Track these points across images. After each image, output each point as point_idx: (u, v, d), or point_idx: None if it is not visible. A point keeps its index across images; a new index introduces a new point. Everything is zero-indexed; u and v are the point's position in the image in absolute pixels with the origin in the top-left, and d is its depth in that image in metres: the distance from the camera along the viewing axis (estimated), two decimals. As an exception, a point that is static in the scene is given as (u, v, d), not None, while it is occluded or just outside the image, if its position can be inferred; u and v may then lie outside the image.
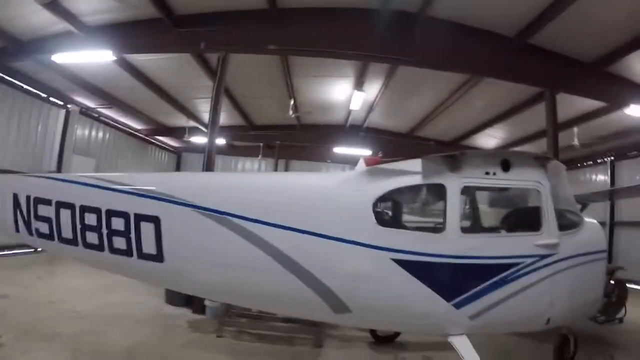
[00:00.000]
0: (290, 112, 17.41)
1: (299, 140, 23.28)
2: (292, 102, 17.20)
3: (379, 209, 5.21)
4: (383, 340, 8.15)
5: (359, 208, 5.00)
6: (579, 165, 22.98)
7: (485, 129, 19.79)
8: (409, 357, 7.55)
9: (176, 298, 9.53)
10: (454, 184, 5.10)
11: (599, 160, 21.65)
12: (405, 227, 5.53)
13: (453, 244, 4.96)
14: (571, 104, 14.97)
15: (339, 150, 22.80)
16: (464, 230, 5.30)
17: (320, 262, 4.86)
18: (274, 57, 13.62)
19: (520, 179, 5.43)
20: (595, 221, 6.70)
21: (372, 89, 16.30)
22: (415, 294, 4.90)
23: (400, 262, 4.84)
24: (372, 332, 8.19)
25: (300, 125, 22.14)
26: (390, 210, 5.85)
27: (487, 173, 5.24)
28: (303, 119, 21.22)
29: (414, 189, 5.42)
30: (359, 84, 15.35)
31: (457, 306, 4.95)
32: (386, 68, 14.26)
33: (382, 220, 5.17)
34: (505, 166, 5.29)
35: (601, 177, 21.60)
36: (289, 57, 13.86)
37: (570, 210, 6.15)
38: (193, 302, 9.32)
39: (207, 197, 4.99)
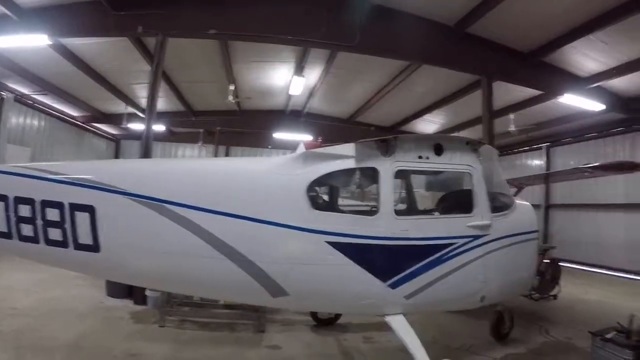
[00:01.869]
0: (230, 98, 17.06)
1: (239, 126, 23.04)
2: (232, 87, 16.88)
3: (313, 193, 5.27)
4: (324, 322, 8.29)
5: (293, 192, 5.05)
6: (516, 150, 24.11)
7: (425, 115, 20.19)
8: (350, 339, 7.70)
9: (117, 290, 9.30)
10: (387, 167, 5.23)
11: (535, 146, 22.63)
12: (339, 211, 5.67)
13: (387, 226, 5.10)
14: (508, 91, 15.57)
15: (280, 135, 22.73)
16: (398, 212, 5.44)
17: (257, 246, 4.89)
18: (213, 41, 13.38)
19: (452, 162, 5.61)
20: (527, 203, 7.01)
21: (313, 74, 16.32)
22: (351, 276, 5.01)
23: (335, 245, 4.94)
24: (314, 315, 8.31)
25: (241, 111, 21.82)
26: (324, 194, 5.96)
27: (420, 157, 5.41)
28: (243, 105, 20.91)
29: (348, 173, 5.52)
30: (299, 70, 15.32)
31: (393, 286, 5.11)
32: (326, 54, 14.29)
33: (316, 203, 5.26)
34: (438, 150, 5.47)
35: (537, 162, 22.69)
36: (229, 42, 13.63)
37: (503, 193, 6.43)
38: (134, 293, 9.13)
39: (142, 185, 4.89)
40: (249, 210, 4.89)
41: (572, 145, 20.73)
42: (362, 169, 5.41)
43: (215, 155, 24.56)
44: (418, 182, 8.03)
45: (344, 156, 5.25)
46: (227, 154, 26.83)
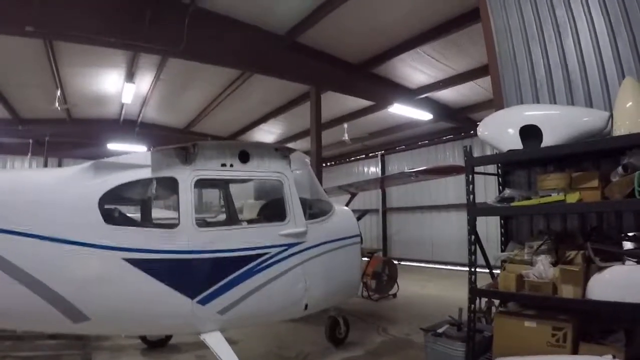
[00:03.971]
0: (57, 104, 15.28)
1: (71, 136, 20.85)
2: (58, 92, 15.19)
3: (106, 206, 4.75)
4: (155, 344, 7.67)
5: (85, 205, 4.51)
6: (353, 158, 25.16)
7: (261, 125, 20.03)
8: (182, 359, 7.22)
9: None
10: (186, 176, 4.91)
11: (371, 154, 23.73)
12: (136, 224, 5.20)
13: (188, 238, 4.76)
14: (343, 102, 16.01)
15: (114, 147, 20.87)
16: (201, 224, 5.16)
17: (48, 267, 4.27)
18: (39, 40, 11.86)
19: (260, 170, 5.43)
20: (347, 208, 7.09)
21: (144, 81, 15.35)
22: (155, 295, 4.60)
23: (133, 262, 4.49)
24: (143, 337, 7.68)
25: (72, 119, 19.90)
26: (119, 207, 5.39)
27: (223, 165, 5.14)
28: (74, 113, 19.17)
29: (144, 184, 5.07)
30: (129, 76, 14.34)
31: (203, 302, 4.78)
32: (157, 59, 13.51)
33: (110, 217, 4.73)
34: (244, 157, 5.25)
35: (373, 169, 23.78)
36: (55, 42, 12.21)
37: (319, 199, 6.41)
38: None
39: None
40: (37, 227, 4.27)
41: (405, 153, 22.03)
42: (159, 179, 5.01)
43: (45, 167, 22.00)
44: (247, 191, 7.78)
45: (140, 165, 4.83)
46: (59, 166, 24.23)
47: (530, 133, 4.93)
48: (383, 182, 15.73)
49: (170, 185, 5.00)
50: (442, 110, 16.88)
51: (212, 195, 9.63)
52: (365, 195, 21.41)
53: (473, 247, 5.17)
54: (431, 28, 11.30)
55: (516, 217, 5.96)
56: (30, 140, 20.67)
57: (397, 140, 21.81)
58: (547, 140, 4.80)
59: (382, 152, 23.02)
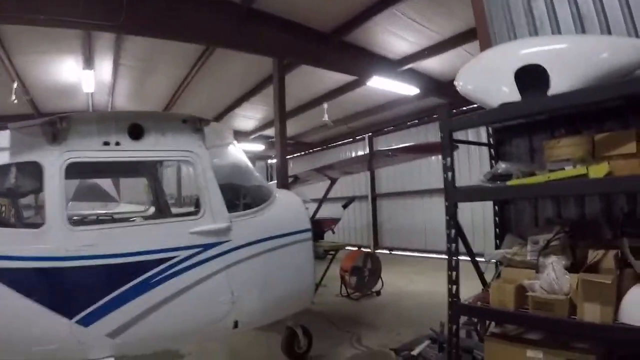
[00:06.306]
0: (13, 97, 13.84)
1: None
2: (15, 85, 13.74)
3: None
4: None
5: None
6: (340, 142, 23.82)
7: (236, 110, 18.61)
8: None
9: None
10: (53, 160, 3.79)
11: (357, 137, 22.33)
12: None
13: (58, 241, 3.77)
14: (320, 80, 14.67)
15: None
16: (75, 222, 4.15)
17: None
18: None
19: (159, 149, 4.27)
20: (293, 194, 5.77)
21: (104, 68, 13.87)
22: (20, 314, 3.68)
23: None
24: None
25: (39, 113, 17.94)
26: None
27: (106, 143, 4.02)
28: (41, 107, 17.58)
29: (2, 171, 3.91)
30: (87, 62, 12.89)
31: (85, 323, 3.82)
32: (111, 42, 12.02)
33: None
34: (136, 133, 4.12)
35: (361, 153, 22.07)
36: (3, 28, 10.82)
37: (253, 185, 5.09)
38: None
39: None
40: None
41: (395, 134, 20.58)
42: (19, 165, 3.92)
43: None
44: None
45: None
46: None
47: (531, 78, 3.44)
48: (366, 163, 14.26)
49: (33, 173, 3.93)
50: (429, 83, 15.35)
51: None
52: (354, 180, 20.40)
53: (453, 246, 3.67)
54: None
55: (514, 202, 4.49)
56: (0, 137, 19.28)
57: (384, 121, 20.38)
58: (557, 87, 3.31)
59: (370, 134, 21.62)
